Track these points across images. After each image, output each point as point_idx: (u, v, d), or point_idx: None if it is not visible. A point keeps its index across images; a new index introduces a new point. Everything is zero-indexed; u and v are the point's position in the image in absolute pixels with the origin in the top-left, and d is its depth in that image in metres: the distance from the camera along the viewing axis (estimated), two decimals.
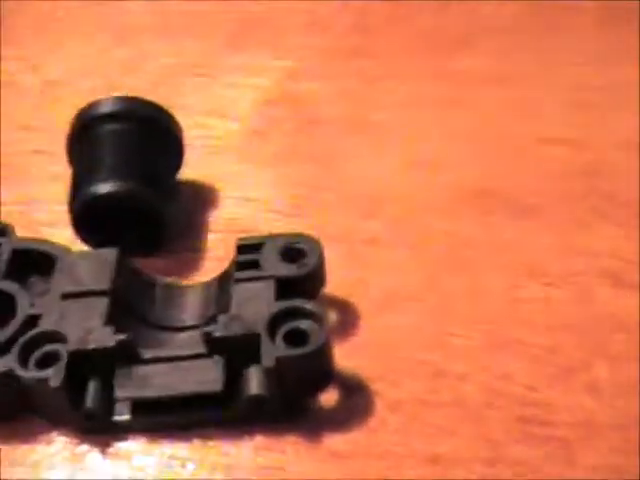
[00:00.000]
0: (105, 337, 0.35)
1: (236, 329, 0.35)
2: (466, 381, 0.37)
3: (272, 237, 0.39)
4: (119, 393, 0.35)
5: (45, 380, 0.34)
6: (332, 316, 0.39)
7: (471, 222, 0.43)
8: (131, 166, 0.41)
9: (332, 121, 0.49)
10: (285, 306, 0.35)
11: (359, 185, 0.45)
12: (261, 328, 0.35)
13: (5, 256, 0.39)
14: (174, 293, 0.40)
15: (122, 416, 0.35)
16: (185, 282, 0.41)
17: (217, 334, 0.35)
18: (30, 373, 0.35)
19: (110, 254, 0.39)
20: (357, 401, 0.36)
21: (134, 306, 0.38)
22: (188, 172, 0.46)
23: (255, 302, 0.36)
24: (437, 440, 0.35)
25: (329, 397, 0.36)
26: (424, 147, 0.47)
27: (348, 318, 0.39)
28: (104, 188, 0.40)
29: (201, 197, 0.46)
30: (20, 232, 0.41)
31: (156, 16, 0.58)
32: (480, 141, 0.47)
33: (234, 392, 0.35)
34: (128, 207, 0.41)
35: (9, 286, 0.38)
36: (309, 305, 0.35)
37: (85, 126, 0.43)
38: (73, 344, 0.35)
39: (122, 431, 0.36)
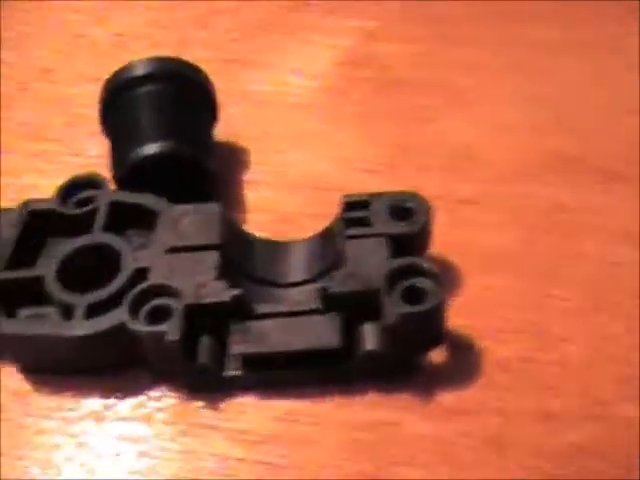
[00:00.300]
0: (219, 292, 0.35)
1: (354, 285, 0.35)
2: (569, 341, 0.37)
3: (379, 195, 0.38)
4: (233, 349, 0.35)
5: (161, 334, 0.34)
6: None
7: (562, 187, 0.43)
8: (171, 125, 0.41)
9: (415, 83, 0.48)
10: (402, 263, 0.35)
11: (449, 146, 0.45)
12: (379, 285, 0.34)
13: (103, 209, 0.39)
14: (276, 249, 0.39)
15: (234, 371, 0.35)
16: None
17: (335, 290, 0.35)
18: (146, 327, 0.34)
19: (213, 208, 0.38)
20: (466, 359, 0.36)
21: (239, 262, 0.38)
22: (265, 126, 0.46)
23: (370, 259, 0.36)
24: (546, 398, 0.35)
25: (439, 354, 0.36)
26: (509, 112, 0.46)
27: (450, 277, 0.39)
28: (147, 150, 0.40)
29: (284, 153, 0.45)
30: None
31: None
32: (564, 108, 0.47)
33: (349, 348, 0.35)
34: (173, 165, 0.40)
35: (111, 239, 0.38)
36: (425, 263, 0.35)
37: (119, 90, 0.42)
38: (186, 298, 0.35)
39: (232, 387, 0.36)
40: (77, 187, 0.40)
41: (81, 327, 0.35)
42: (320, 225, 0.40)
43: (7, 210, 0.40)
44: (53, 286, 0.36)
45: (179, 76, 0.42)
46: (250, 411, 0.35)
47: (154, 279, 0.36)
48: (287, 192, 0.43)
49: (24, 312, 0.37)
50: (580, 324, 0.37)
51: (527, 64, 0.49)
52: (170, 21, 0.53)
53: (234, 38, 0.52)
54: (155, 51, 0.50)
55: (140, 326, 0.34)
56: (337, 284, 0.35)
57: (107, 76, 0.47)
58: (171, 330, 0.34)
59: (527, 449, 0.34)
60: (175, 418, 0.35)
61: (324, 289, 0.35)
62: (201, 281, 0.35)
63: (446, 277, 0.39)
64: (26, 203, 0.39)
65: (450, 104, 0.47)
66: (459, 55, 0.50)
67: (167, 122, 0.40)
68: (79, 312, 0.35)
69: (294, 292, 0.38)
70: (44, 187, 0.43)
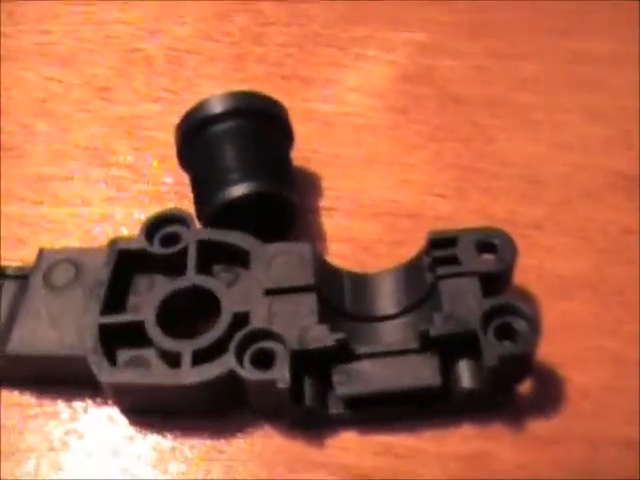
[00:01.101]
0: (323, 336, 0.36)
1: (453, 327, 0.36)
2: None
3: (465, 232, 0.39)
4: (336, 390, 0.36)
5: (271, 381, 0.35)
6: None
7: (627, 209, 0.44)
8: (255, 163, 0.41)
9: (473, 101, 0.49)
10: (497, 303, 0.36)
11: (514, 167, 0.46)
12: (476, 325, 0.36)
13: (192, 248, 0.40)
14: (363, 282, 0.40)
15: (337, 410, 0.37)
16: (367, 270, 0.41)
17: (435, 333, 0.36)
18: (255, 374, 0.35)
19: (305, 247, 0.39)
20: (550, 387, 0.38)
21: (331, 298, 0.39)
22: (334, 149, 0.47)
23: (464, 299, 0.37)
24: (630, 425, 0.37)
25: (525, 384, 0.38)
26: (569, 129, 0.47)
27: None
28: (237, 191, 0.40)
29: (355, 178, 0.46)
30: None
31: None
32: (623, 124, 0.48)
33: (446, 385, 0.36)
34: (259, 203, 0.41)
35: (208, 282, 0.39)
36: (519, 302, 0.37)
37: (198, 128, 0.42)
38: (290, 343, 0.36)
39: (334, 424, 0.37)
40: (162, 223, 0.41)
41: (189, 376, 0.36)
42: (398, 253, 0.42)
43: (94, 249, 0.41)
44: (154, 332, 0.37)
45: (258, 111, 0.42)
46: (352, 446, 0.37)
47: (256, 323, 0.37)
48: (363, 220, 0.44)
49: (123, 355, 0.38)
50: None
51: (582, 78, 0.50)
52: (222, 34, 0.53)
53: (289, 53, 0.52)
54: (212, 67, 0.51)
55: (249, 374, 0.35)
56: (437, 326, 0.36)
57: (165, 94, 0.48)
58: (280, 378, 0.35)
59: (615, 477, 0.36)
60: (281, 456, 0.37)
61: (425, 332, 0.36)
62: (303, 325, 0.37)
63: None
64: (114, 242, 0.40)
65: (511, 122, 0.48)
66: (513, 70, 0.51)
67: (251, 159, 0.41)
68: (185, 360, 0.36)
69: (386, 326, 0.39)
70: (118, 217, 0.45)
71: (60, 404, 0.38)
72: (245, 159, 0.41)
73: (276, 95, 0.46)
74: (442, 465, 0.36)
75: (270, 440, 0.37)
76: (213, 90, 0.49)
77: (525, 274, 0.41)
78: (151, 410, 0.38)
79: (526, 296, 0.41)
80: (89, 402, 0.38)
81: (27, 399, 0.39)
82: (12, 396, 0.39)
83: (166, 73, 0.51)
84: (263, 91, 0.46)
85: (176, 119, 0.47)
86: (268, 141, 0.42)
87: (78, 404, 0.38)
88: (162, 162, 0.46)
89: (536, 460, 0.36)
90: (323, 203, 0.45)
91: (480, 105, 0.49)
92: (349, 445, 0.37)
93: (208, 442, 0.37)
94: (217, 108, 0.41)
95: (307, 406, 0.36)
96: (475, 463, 0.36)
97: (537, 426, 0.37)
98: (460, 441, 0.37)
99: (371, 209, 0.44)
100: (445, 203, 0.44)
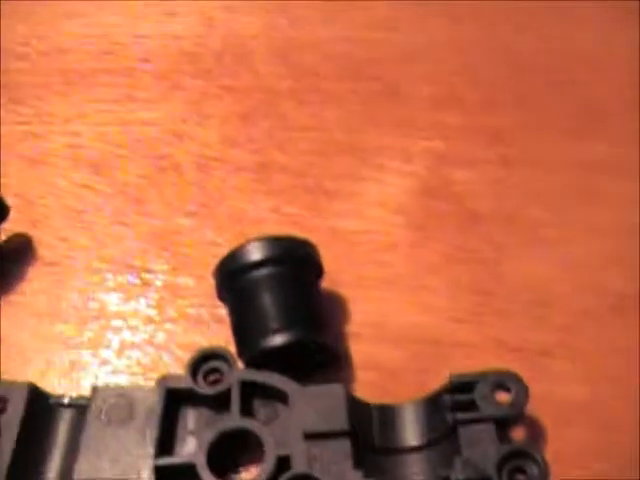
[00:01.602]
0: None
1: (471, 473, 0.40)
2: None
3: (482, 375, 0.43)
4: None
5: None
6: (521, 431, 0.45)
7: (634, 332, 0.48)
8: (293, 310, 0.44)
9: (489, 217, 0.52)
10: (511, 449, 0.41)
11: (527, 290, 0.49)
12: (492, 471, 0.40)
13: (236, 390, 0.43)
14: (388, 414, 0.44)
15: None
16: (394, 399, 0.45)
17: (455, 478, 0.40)
18: None
19: (338, 390, 0.43)
20: None
21: (362, 435, 0.43)
22: (358, 270, 0.50)
23: (481, 444, 0.41)
24: None
25: None
26: (575, 246, 0.51)
27: (534, 432, 0.45)
28: (277, 340, 0.43)
29: (379, 302, 0.49)
30: None
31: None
32: (618, 240, 0.51)
33: None
34: (297, 349, 0.44)
35: (253, 425, 0.42)
36: (533, 450, 0.41)
37: (237, 273, 0.45)
38: None
39: None
40: (206, 359, 0.44)
41: None
42: (422, 380, 0.46)
43: (143, 388, 0.45)
44: (205, 475, 0.41)
45: (293, 257, 0.45)
46: None
47: (296, 467, 0.41)
48: (388, 346, 0.47)
49: None
50: None
51: (587, 189, 0.53)
52: (246, 140, 0.55)
53: (311, 162, 0.54)
54: (238, 177, 0.54)
55: None
56: (456, 471, 0.40)
57: (197, 208, 0.51)
58: None
59: None
60: None
61: (446, 477, 0.40)
62: (339, 470, 0.41)
63: (531, 432, 0.45)
64: (163, 381, 0.44)
65: (524, 240, 0.51)
66: (526, 182, 0.54)
67: (289, 306, 0.44)
68: None
69: (410, 460, 0.43)
70: (160, 340, 0.48)
71: None
72: (284, 306, 0.44)
73: (302, 212, 0.49)
74: None
75: None
76: (241, 204, 0.53)
77: (532, 401, 0.43)
78: None
79: (532, 424, 0.45)
80: None
81: None
82: None
83: (195, 182, 0.54)
84: (289, 206, 0.49)
85: (210, 236, 0.51)
86: (303, 283, 0.45)
87: None
88: (199, 282, 0.49)
89: None
90: (349, 328, 0.48)
91: (495, 221, 0.52)
92: None
93: None
94: (257, 255, 0.44)
95: None
96: None
97: None
98: None
99: (395, 334, 0.48)
100: (464, 329, 0.48)
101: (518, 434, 0.44)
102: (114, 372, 0.47)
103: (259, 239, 0.45)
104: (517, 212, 0.53)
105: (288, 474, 0.40)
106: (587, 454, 0.44)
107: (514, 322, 0.48)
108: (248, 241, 0.45)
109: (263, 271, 0.44)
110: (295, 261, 0.45)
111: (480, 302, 0.49)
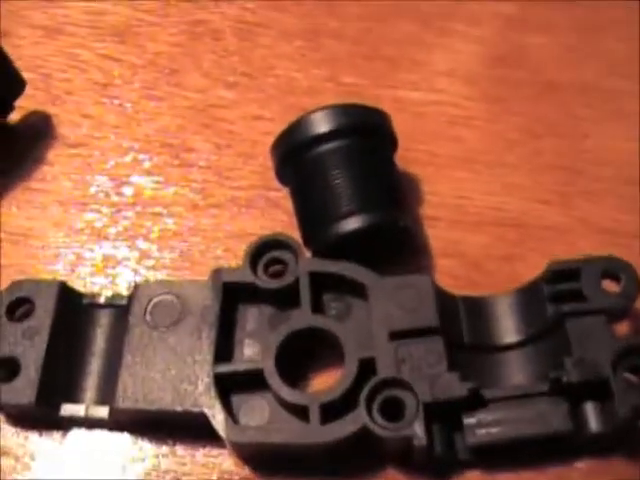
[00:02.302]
0: (455, 386, 0.35)
1: (585, 374, 0.35)
2: None
3: (588, 262, 0.37)
4: (467, 438, 0.35)
5: (408, 437, 0.34)
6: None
7: None
8: (369, 189, 0.38)
9: (568, 88, 0.46)
10: (627, 346, 0.35)
11: (612, 167, 0.44)
12: (607, 370, 0.35)
13: (305, 282, 0.37)
14: (478, 308, 0.39)
15: (466, 456, 0.36)
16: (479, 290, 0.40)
17: (567, 380, 0.35)
18: (390, 431, 0.34)
19: (425, 282, 0.37)
20: None
21: (451, 331, 0.37)
22: (430, 147, 0.44)
23: (594, 340, 0.36)
24: None
25: None
26: None
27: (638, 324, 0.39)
28: (353, 224, 0.37)
29: (457, 182, 0.43)
30: None
31: None
32: None
33: (575, 428, 0.35)
34: (375, 233, 0.38)
35: (329, 324, 0.37)
36: None
37: (303, 148, 0.39)
38: (423, 394, 0.34)
39: (459, 466, 0.36)
40: (266, 248, 0.38)
41: (321, 435, 0.34)
42: (506, 269, 0.41)
43: (195, 282, 0.38)
44: (275, 382, 0.35)
45: (364, 128, 0.39)
46: None
47: (383, 371, 0.35)
48: (468, 231, 0.42)
49: (238, 401, 0.36)
50: None
51: None
52: (292, 3, 0.48)
53: (368, 28, 0.48)
54: (286, 44, 0.47)
55: (384, 431, 0.34)
56: (570, 374, 0.35)
57: (239, 78, 0.45)
58: (416, 435, 0.34)
59: None
60: None
61: (557, 379, 0.35)
62: (432, 373, 0.35)
63: (635, 325, 0.39)
64: (218, 274, 0.38)
65: (603, 114, 0.46)
66: (601, 47, 0.48)
67: (363, 185, 0.38)
68: (314, 415, 0.34)
69: (508, 358, 0.38)
70: (208, 229, 0.42)
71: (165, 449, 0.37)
72: (357, 185, 0.38)
73: (362, 81, 0.43)
74: None
75: None
76: (291, 73, 0.46)
77: None
78: (276, 459, 0.36)
79: (637, 316, 0.39)
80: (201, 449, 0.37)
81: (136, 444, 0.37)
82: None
83: (237, 51, 0.47)
84: (347, 75, 0.43)
85: (256, 109, 0.44)
86: (377, 158, 0.39)
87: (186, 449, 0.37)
88: (246, 162, 0.43)
89: None
90: (426, 212, 0.42)
91: (572, 92, 0.46)
92: None
93: None
94: (323, 127, 0.38)
95: (437, 454, 0.35)
96: None
97: None
98: (582, 477, 0.36)
99: (475, 217, 0.42)
100: (550, 210, 0.43)
101: (621, 329, 0.39)
102: (155, 267, 0.41)
103: (325, 108, 0.38)
104: (596, 82, 0.47)
105: (375, 380, 0.35)
106: None
107: (603, 202, 0.43)
108: (312, 111, 0.38)
109: (333, 144, 0.38)
110: (368, 132, 0.39)
111: (566, 181, 0.44)
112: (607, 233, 0.42)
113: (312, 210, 0.39)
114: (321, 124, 0.38)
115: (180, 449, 0.37)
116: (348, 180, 0.38)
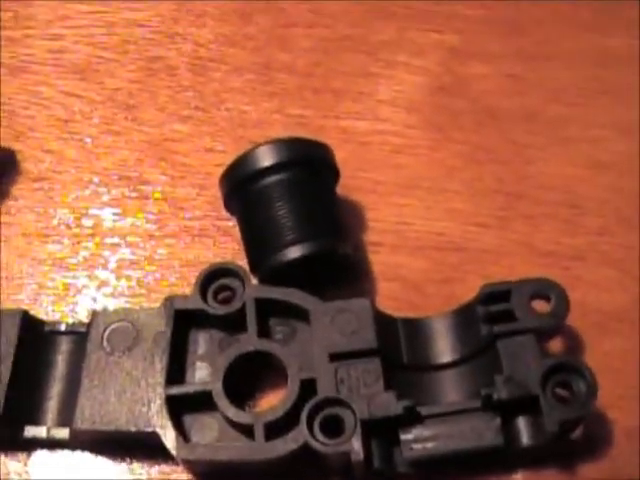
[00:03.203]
0: (391, 405, 0.37)
1: (515, 391, 0.37)
2: None
3: (518, 284, 0.40)
4: (404, 452, 0.37)
5: (346, 453, 0.36)
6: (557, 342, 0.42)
7: None
8: (310, 219, 0.40)
9: (510, 115, 0.49)
10: (555, 363, 0.37)
11: (554, 192, 0.46)
12: (536, 387, 0.37)
13: (252, 308, 0.39)
14: (416, 328, 0.41)
15: (405, 469, 0.38)
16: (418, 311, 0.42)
17: (497, 397, 0.37)
18: (329, 447, 0.36)
19: (364, 305, 0.39)
20: (598, 430, 0.40)
21: (390, 352, 0.39)
22: (373, 174, 0.46)
23: (523, 359, 0.38)
24: None
25: None
26: (606, 145, 0.48)
27: (572, 343, 0.42)
28: (295, 252, 0.40)
29: (398, 207, 0.46)
30: None
31: None
32: None
33: (506, 442, 0.38)
34: (315, 260, 0.41)
35: (273, 347, 0.39)
36: (578, 362, 0.37)
37: (248, 180, 0.41)
38: (361, 412, 0.36)
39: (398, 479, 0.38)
40: (215, 276, 0.40)
41: (264, 451, 0.36)
42: (445, 291, 0.43)
43: (148, 309, 0.41)
44: (222, 403, 0.37)
45: (307, 160, 0.41)
46: None
47: (323, 391, 0.37)
48: (409, 255, 0.44)
49: (189, 420, 0.38)
50: None
51: (611, 83, 0.50)
52: (244, 38, 0.51)
53: (317, 61, 0.50)
54: (238, 78, 0.49)
55: (322, 447, 0.36)
56: (499, 390, 0.37)
57: (193, 112, 0.47)
58: (355, 450, 0.36)
59: None
60: None
61: (488, 395, 0.37)
62: (370, 393, 0.37)
63: (569, 344, 0.42)
64: (170, 302, 0.40)
65: (546, 140, 0.48)
66: (546, 75, 0.50)
67: (305, 214, 0.40)
68: (258, 433, 0.37)
69: (444, 377, 0.40)
70: (162, 258, 0.44)
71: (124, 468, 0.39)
72: (299, 215, 0.40)
73: (309, 112, 0.46)
74: None
75: None
76: (241, 106, 0.48)
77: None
78: (224, 474, 0.38)
79: (568, 332, 0.42)
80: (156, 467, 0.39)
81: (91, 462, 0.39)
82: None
83: (191, 86, 0.49)
84: (294, 107, 0.45)
85: (208, 142, 0.47)
86: (318, 188, 0.41)
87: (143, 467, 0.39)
88: (200, 193, 0.46)
89: None
90: (368, 237, 0.45)
91: (515, 120, 0.48)
92: None
93: None
94: (266, 160, 0.40)
95: (376, 468, 0.37)
96: None
97: (588, 470, 0.39)
98: None
99: (417, 243, 0.44)
100: (489, 234, 0.45)
101: (555, 346, 0.42)
102: (113, 294, 0.43)
103: (270, 142, 0.40)
104: (537, 109, 0.49)
105: (315, 399, 0.37)
106: (632, 366, 0.41)
107: (542, 226, 0.45)
108: (258, 145, 0.40)
109: (277, 177, 0.40)
110: (311, 164, 0.41)
111: (505, 205, 0.46)
112: (547, 256, 0.44)
113: (257, 239, 0.41)
114: (264, 158, 0.40)
115: (137, 467, 0.39)
116: (290, 211, 0.40)
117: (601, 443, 0.39)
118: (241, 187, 0.41)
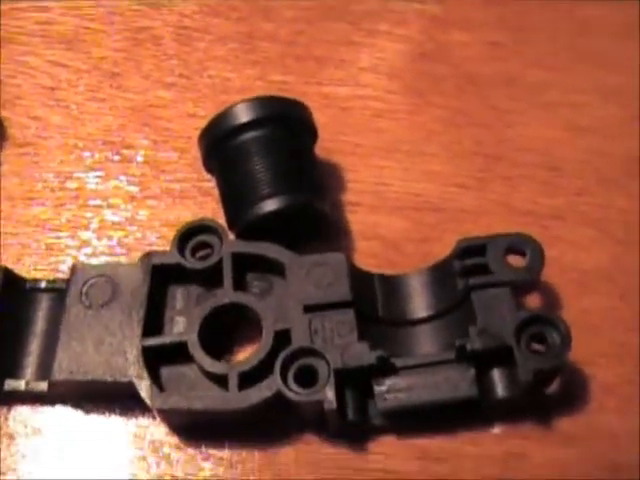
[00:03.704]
0: (364, 354, 0.37)
1: (488, 342, 0.37)
2: None
3: (494, 238, 0.40)
4: (378, 403, 0.38)
5: (319, 402, 0.36)
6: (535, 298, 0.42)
7: None
8: (287, 174, 0.41)
9: (491, 81, 0.49)
10: (529, 315, 0.38)
11: (533, 154, 0.46)
12: (510, 339, 0.37)
13: (227, 262, 0.40)
14: (393, 285, 0.41)
15: (379, 421, 0.38)
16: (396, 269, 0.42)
17: (471, 347, 0.37)
18: (302, 396, 0.36)
19: (339, 259, 0.40)
20: (575, 385, 0.40)
21: (365, 306, 0.40)
22: (353, 138, 0.47)
23: (498, 311, 0.38)
24: None
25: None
26: (586, 110, 0.48)
27: (550, 300, 0.42)
28: (270, 205, 0.40)
29: (378, 169, 0.46)
30: None
31: None
32: (636, 102, 0.48)
33: (482, 394, 0.38)
34: (292, 215, 0.41)
35: (248, 299, 0.39)
36: (552, 314, 0.38)
37: (225, 137, 0.41)
38: (334, 362, 0.37)
39: (374, 432, 0.39)
40: (194, 233, 0.41)
41: (238, 400, 0.37)
42: (423, 250, 0.43)
43: (127, 265, 0.42)
44: (197, 353, 0.38)
45: (284, 118, 0.41)
46: (393, 452, 0.39)
47: (297, 341, 0.38)
48: (388, 215, 0.44)
49: (166, 372, 0.39)
50: None
51: (595, 51, 0.50)
52: (229, 9, 0.51)
53: (300, 30, 0.51)
54: (222, 47, 0.50)
55: (296, 395, 0.36)
56: (473, 341, 0.37)
57: (177, 79, 0.47)
58: (326, 398, 0.36)
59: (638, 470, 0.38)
60: (326, 463, 0.38)
61: (462, 346, 0.37)
62: (344, 343, 0.38)
63: (544, 299, 0.42)
64: (148, 257, 0.40)
65: (527, 104, 0.48)
66: (527, 43, 0.50)
67: (281, 170, 0.41)
68: (232, 383, 0.37)
69: (420, 331, 0.40)
70: (143, 218, 0.45)
71: (103, 419, 0.39)
72: (275, 170, 0.40)
73: (291, 78, 0.46)
74: (476, 467, 0.38)
75: (315, 448, 0.39)
76: (224, 74, 0.49)
77: (546, 267, 0.41)
78: (199, 424, 0.39)
79: (547, 290, 0.42)
80: (134, 419, 0.39)
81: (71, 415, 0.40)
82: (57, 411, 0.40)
83: (176, 55, 0.50)
84: (277, 74, 0.45)
85: (191, 107, 0.47)
86: (296, 146, 0.42)
87: (122, 419, 0.39)
88: (181, 156, 0.46)
89: (564, 457, 0.38)
90: (347, 197, 0.45)
91: (496, 85, 0.49)
92: (390, 451, 0.39)
93: (257, 452, 0.39)
94: (243, 117, 0.41)
95: (350, 419, 0.37)
96: (509, 463, 0.38)
97: (564, 424, 0.39)
98: (494, 442, 0.39)
99: (395, 203, 0.45)
100: (468, 194, 0.45)
101: (534, 302, 0.42)
102: (94, 254, 0.44)
103: (246, 100, 0.41)
104: (518, 75, 0.49)
105: (289, 349, 0.37)
106: (611, 323, 0.41)
107: (522, 186, 0.46)
108: (233, 104, 0.41)
109: (252, 134, 0.41)
110: (286, 122, 0.41)
111: (484, 167, 0.46)
112: (524, 215, 0.45)
113: (234, 195, 0.41)
114: (241, 115, 0.41)
115: (115, 419, 0.39)
116: (266, 167, 0.40)
117: (577, 398, 0.40)
118: (219, 145, 0.41)
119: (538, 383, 0.38)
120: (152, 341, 0.38)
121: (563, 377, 0.39)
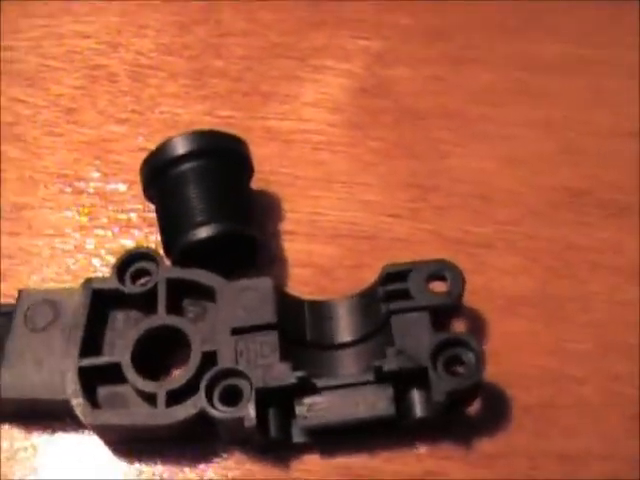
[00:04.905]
0: (285, 374, 0.39)
1: (404, 363, 0.39)
2: (584, 384, 0.42)
3: (417, 265, 0.42)
4: (299, 422, 0.40)
5: (239, 419, 0.38)
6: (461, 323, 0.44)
7: (572, 225, 0.47)
8: (220, 203, 0.43)
9: (428, 114, 0.51)
10: (445, 338, 0.40)
11: (466, 184, 0.48)
12: (425, 360, 0.39)
13: (162, 287, 0.42)
14: (321, 310, 0.43)
15: (301, 439, 0.40)
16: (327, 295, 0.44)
17: (388, 368, 0.39)
18: (223, 414, 0.38)
19: (266, 283, 0.42)
20: (496, 406, 0.41)
21: (292, 329, 0.42)
22: (293, 170, 0.49)
23: (415, 334, 0.40)
24: (566, 440, 0.41)
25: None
26: (520, 142, 0.50)
27: (475, 324, 0.44)
28: (202, 233, 0.42)
29: (314, 199, 0.48)
30: None
31: None
32: (569, 134, 0.50)
33: (400, 413, 0.40)
34: (224, 242, 0.43)
35: (179, 322, 0.42)
36: (467, 337, 0.40)
37: (163, 168, 0.44)
38: (255, 381, 0.39)
39: (297, 449, 0.41)
40: (133, 260, 0.43)
41: (164, 417, 0.39)
42: (357, 276, 0.45)
43: (69, 289, 0.44)
44: (129, 373, 0.40)
45: (220, 151, 0.44)
46: (316, 469, 0.40)
47: (223, 362, 0.40)
48: (322, 244, 0.46)
49: (102, 391, 0.41)
50: (592, 366, 0.43)
51: (532, 87, 0.52)
52: (182, 47, 0.54)
53: (249, 66, 0.53)
54: (173, 84, 0.53)
55: (218, 413, 0.38)
56: (390, 362, 0.39)
57: (130, 115, 0.50)
58: (247, 416, 0.38)
59: None
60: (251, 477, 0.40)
61: (379, 367, 0.39)
62: (266, 363, 0.40)
63: (471, 324, 0.44)
64: (89, 283, 0.43)
65: (464, 137, 0.50)
66: (467, 78, 0.52)
67: (214, 200, 0.43)
68: (160, 400, 0.39)
69: (343, 355, 0.42)
70: (90, 247, 0.47)
71: (46, 437, 0.42)
72: (209, 200, 0.43)
73: (237, 113, 0.48)
74: None
75: (242, 465, 0.41)
76: (175, 109, 0.51)
77: (473, 294, 0.43)
78: (132, 441, 0.41)
79: (472, 315, 0.44)
80: (74, 435, 0.42)
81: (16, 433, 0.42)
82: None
83: (129, 91, 0.52)
84: (225, 109, 0.48)
85: (141, 141, 0.50)
86: (230, 178, 0.44)
87: (63, 436, 0.42)
88: (130, 188, 0.48)
89: (483, 477, 0.40)
90: (284, 227, 0.47)
91: (434, 118, 0.51)
92: (313, 468, 0.41)
93: (186, 468, 0.41)
94: (180, 149, 0.43)
95: (272, 437, 0.40)
96: None
97: (484, 443, 0.41)
98: (415, 461, 0.41)
99: (330, 232, 0.47)
100: (401, 223, 0.47)
101: (460, 327, 0.44)
102: (44, 280, 0.46)
103: (183, 133, 0.44)
104: (457, 108, 0.51)
105: (213, 370, 0.39)
106: (533, 347, 0.43)
107: (453, 216, 0.47)
108: (171, 137, 0.43)
109: (187, 165, 0.43)
110: (221, 154, 0.44)
111: (417, 197, 0.48)
112: (454, 243, 0.46)
113: (170, 223, 0.44)
114: (176, 148, 0.43)
115: (58, 435, 0.42)
116: (201, 195, 0.43)
117: (499, 418, 0.41)
118: (156, 175, 0.44)
119: (456, 403, 0.40)
120: (88, 361, 0.41)
121: (485, 398, 0.41)
